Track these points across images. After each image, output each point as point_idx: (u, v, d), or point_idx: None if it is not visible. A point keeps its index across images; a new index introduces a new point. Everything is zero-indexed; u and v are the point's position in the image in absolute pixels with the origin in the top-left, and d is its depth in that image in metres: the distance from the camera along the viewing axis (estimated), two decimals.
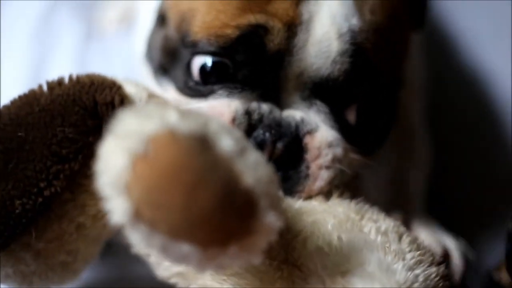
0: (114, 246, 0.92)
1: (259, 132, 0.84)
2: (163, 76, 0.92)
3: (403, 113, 1.01)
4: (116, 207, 0.62)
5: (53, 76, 0.83)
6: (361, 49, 0.84)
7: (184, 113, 0.64)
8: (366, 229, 0.80)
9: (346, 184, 0.88)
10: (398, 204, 0.96)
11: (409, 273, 0.76)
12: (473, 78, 1.25)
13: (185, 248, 0.62)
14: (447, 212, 1.06)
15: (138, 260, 0.87)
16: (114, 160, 0.61)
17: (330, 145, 0.85)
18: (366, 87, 0.86)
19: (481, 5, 1.30)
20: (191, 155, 0.61)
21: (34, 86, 0.82)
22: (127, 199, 0.61)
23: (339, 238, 0.76)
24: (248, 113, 0.84)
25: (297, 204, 0.82)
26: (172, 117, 0.63)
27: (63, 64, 1.26)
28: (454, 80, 1.24)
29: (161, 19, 0.95)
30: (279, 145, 0.83)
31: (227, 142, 0.64)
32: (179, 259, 0.64)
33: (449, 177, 1.10)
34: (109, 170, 0.62)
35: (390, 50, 0.88)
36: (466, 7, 1.32)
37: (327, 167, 0.85)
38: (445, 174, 1.08)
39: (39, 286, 0.83)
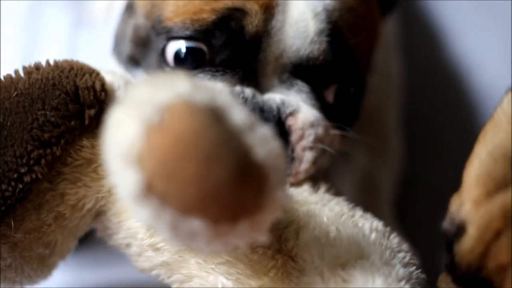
0: (93, 247, 0.89)
1: None
2: (134, 67, 0.90)
3: (377, 114, 1.02)
4: (126, 180, 0.59)
5: None
6: (337, 28, 0.85)
7: (196, 84, 0.62)
8: (360, 225, 0.79)
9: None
10: (367, 205, 0.96)
11: (405, 269, 0.76)
12: (453, 74, 1.27)
13: (196, 224, 0.60)
14: (422, 210, 1.07)
15: (118, 261, 0.84)
16: (126, 130, 0.59)
17: (312, 125, 0.85)
18: (344, 66, 0.86)
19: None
20: (206, 126, 0.59)
21: None
22: (139, 171, 0.59)
23: (338, 229, 0.76)
24: (233, 96, 0.83)
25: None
26: (186, 88, 0.61)
27: (53, 54, 1.23)
28: (433, 78, 1.25)
29: (129, 9, 0.93)
30: None
31: (238, 115, 0.63)
32: (188, 236, 0.62)
33: (425, 176, 1.11)
34: (120, 141, 0.59)
35: (361, 31, 0.89)
36: (449, 3, 1.34)
37: (311, 148, 0.85)
38: (421, 174, 1.09)
39: (11, 283, 0.79)
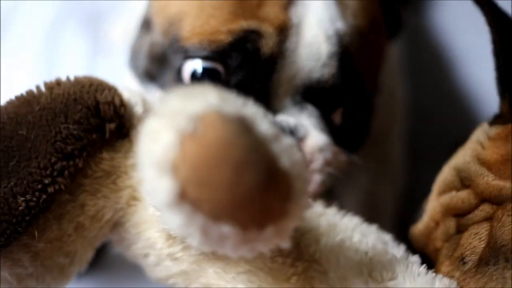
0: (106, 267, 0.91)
1: None
2: (150, 82, 0.92)
3: (382, 136, 1.04)
4: (160, 187, 0.62)
5: None
6: (347, 52, 0.88)
7: (224, 96, 0.65)
8: (379, 233, 0.83)
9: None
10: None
11: None
12: (459, 94, 1.30)
13: (225, 229, 0.63)
14: None
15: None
16: (161, 139, 0.62)
17: (321, 150, 0.88)
18: (352, 90, 0.89)
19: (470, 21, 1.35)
20: (237, 135, 0.62)
21: None
22: (173, 178, 0.61)
23: (362, 234, 0.79)
24: None
25: None
26: (216, 99, 0.64)
27: None
28: (439, 99, 1.28)
29: (146, 25, 0.95)
30: None
31: (265, 125, 0.66)
32: (217, 241, 0.64)
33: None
34: (155, 150, 0.62)
35: (370, 54, 0.92)
36: (456, 26, 1.37)
37: (319, 171, 0.87)
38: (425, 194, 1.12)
39: None
